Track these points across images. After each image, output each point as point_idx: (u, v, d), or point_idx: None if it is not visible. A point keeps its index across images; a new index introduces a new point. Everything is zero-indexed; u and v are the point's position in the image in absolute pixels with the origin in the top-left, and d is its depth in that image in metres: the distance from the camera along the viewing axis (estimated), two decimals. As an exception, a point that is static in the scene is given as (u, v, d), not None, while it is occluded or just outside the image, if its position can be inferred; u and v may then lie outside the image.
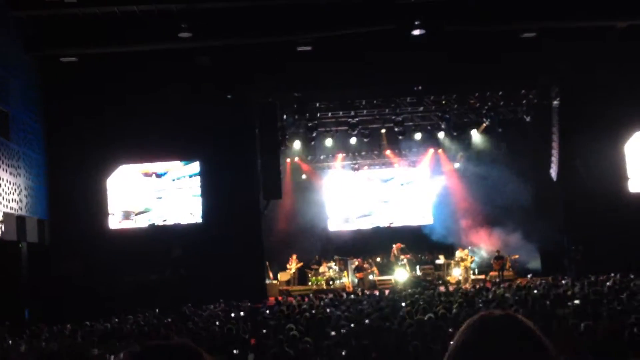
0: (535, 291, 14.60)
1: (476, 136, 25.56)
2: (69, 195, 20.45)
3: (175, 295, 18.02)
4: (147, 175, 21.58)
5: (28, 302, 18.17)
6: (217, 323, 13.22)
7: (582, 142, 21.41)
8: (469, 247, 23.97)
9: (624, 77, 21.01)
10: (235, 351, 9.69)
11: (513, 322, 1.87)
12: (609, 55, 20.68)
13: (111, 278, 19.71)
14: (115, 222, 21.29)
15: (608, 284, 15.31)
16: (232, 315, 14.77)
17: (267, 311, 14.84)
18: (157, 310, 16.17)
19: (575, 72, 20.97)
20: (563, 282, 17.48)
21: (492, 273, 23.05)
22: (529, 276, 21.21)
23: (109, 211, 21.24)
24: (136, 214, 21.43)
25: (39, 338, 12.51)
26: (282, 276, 23.79)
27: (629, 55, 20.70)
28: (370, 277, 23.65)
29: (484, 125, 24.32)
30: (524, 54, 20.32)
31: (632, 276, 16.48)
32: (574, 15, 19.41)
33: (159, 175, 21.61)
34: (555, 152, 22.09)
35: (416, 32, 18.90)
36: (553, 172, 22.23)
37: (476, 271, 23.77)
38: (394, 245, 24.79)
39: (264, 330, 11.15)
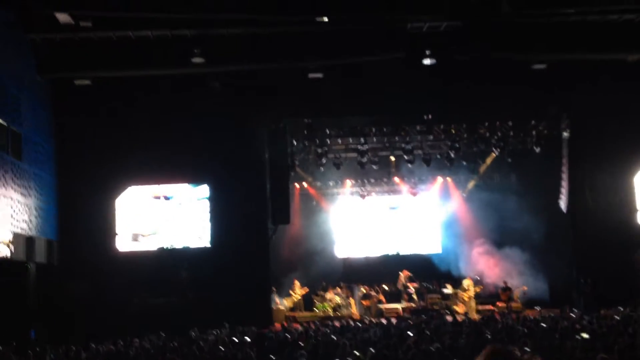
0: (543, 324, 14.48)
1: (485, 166, 25.58)
2: (78, 217, 20.56)
3: (181, 319, 17.96)
4: (156, 197, 21.65)
5: (34, 323, 18.15)
6: (222, 348, 13.16)
7: (591, 173, 21.39)
8: (476, 277, 23.84)
9: (634, 110, 21.04)
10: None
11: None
12: (619, 88, 20.72)
13: (118, 300, 19.69)
14: (123, 244, 21.32)
15: (617, 317, 15.17)
16: (237, 340, 14.70)
17: (273, 337, 14.76)
18: (163, 334, 16.10)
19: (585, 105, 21.01)
20: (572, 314, 17.32)
21: (499, 304, 22.88)
22: (536, 308, 21.04)
23: (117, 232, 21.29)
24: (144, 236, 21.46)
25: (43, 359, 12.48)
26: (288, 302, 23.71)
27: (638, 88, 20.74)
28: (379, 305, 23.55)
29: (494, 155, 24.33)
30: (535, 85, 20.41)
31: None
32: (585, 48, 19.49)
33: (167, 198, 21.68)
34: (564, 184, 22.05)
35: (427, 61, 19.03)
36: (562, 203, 22.17)
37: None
38: (400, 273, 24.68)
39: (270, 356, 11.08)
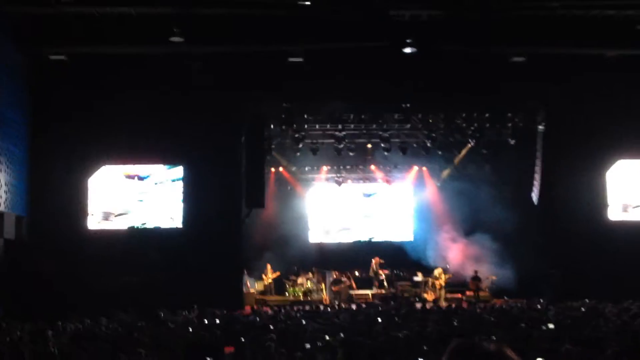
0: (510, 313, 14.66)
1: (460, 156, 25.74)
2: (50, 193, 20.30)
3: (150, 299, 17.85)
4: (129, 177, 21.45)
5: (2, 299, 17.94)
6: (191, 329, 13.13)
7: (564, 167, 21.64)
8: (446, 266, 24.06)
9: (609, 106, 21.28)
10: (208, 359, 9.62)
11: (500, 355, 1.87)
12: (596, 84, 20.92)
13: (87, 278, 19.50)
14: (94, 222, 21.12)
15: (583, 309, 15.42)
16: (206, 322, 14.68)
17: (243, 320, 14.76)
18: (131, 314, 16.01)
19: (562, 99, 21.20)
20: (539, 305, 17.57)
21: (468, 292, 23.13)
22: (504, 298, 21.29)
23: (89, 211, 21.08)
24: (116, 216, 21.27)
25: (11, 335, 12.34)
26: (259, 285, 23.73)
27: (615, 85, 20.96)
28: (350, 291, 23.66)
29: (469, 145, 24.47)
30: (513, 78, 20.50)
31: (607, 303, 16.59)
32: (565, 42, 19.61)
33: (141, 178, 21.49)
34: (537, 177, 22.28)
35: (408, 50, 19.01)
36: (535, 196, 22.40)
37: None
38: (373, 260, 24.81)
39: (239, 339, 11.07)
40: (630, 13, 18.10)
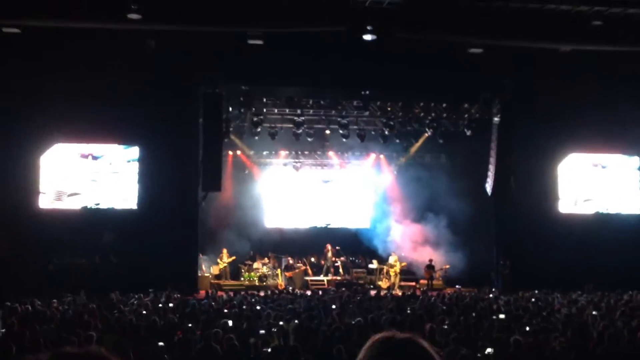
0: (462, 302, 14.91)
1: (417, 145, 25.96)
2: (0, 171, 19.76)
3: (103, 282, 17.63)
4: (83, 156, 21.03)
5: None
6: (145, 312, 13.01)
7: (518, 159, 22.02)
8: (401, 254, 24.32)
9: (564, 100, 21.70)
10: (160, 343, 9.55)
11: (415, 347, 1.91)
12: (550, 78, 21.29)
13: (38, 259, 19.14)
14: (46, 201, 20.67)
15: (532, 300, 15.77)
16: (160, 306, 14.56)
17: (197, 304, 14.67)
18: (82, 296, 15.78)
19: (517, 91, 21.54)
20: (490, 295, 17.90)
21: (422, 281, 23.44)
22: (456, 287, 21.64)
23: (41, 190, 20.62)
24: (68, 195, 20.85)
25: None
26: (214, 269, 23.60)
27: (569, 79, 21.35)
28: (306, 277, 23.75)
29: (426, 135, 24.68)
30: (470, 68, 20.71)
31: (556, 294, 17.02)
32: (520, 35, 19.84)
33: (95, 158, 21.10)
34: (492, 168, 22.60)
35: (367, 36, 18.99)
36: (488, 187, 22.76)
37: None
38: (326, 247, 24.92)
39: (191, 324, 11.01)
40: (583, 9, 18.40)
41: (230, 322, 10.89)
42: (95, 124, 20.45)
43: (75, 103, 20.06)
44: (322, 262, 24.86)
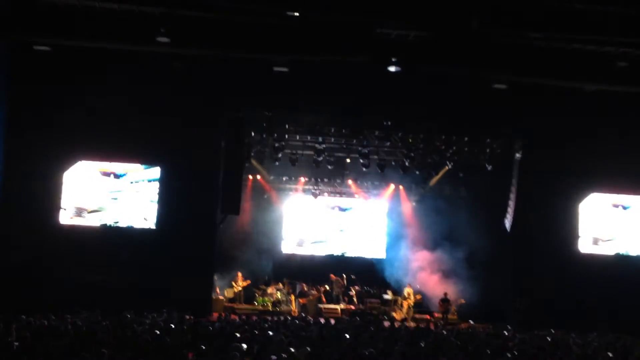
0: (477, 338, 14.74)
1: (437, 178, 25.91)
2: (23, 186, 20.01)
3: (118, 300, 17.69)
4: (105, 174, 21.27)
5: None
6: (158, 332, 13.01)
7: (538, 196, 21.88)
8: (416, 286, 24.16)
9: (586, 139, 21.61)
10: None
11: None
12: (573, 116, 21.23)
13: (55, 274, 19.27)
14: (66, 217, 20.89)
15: (548, 339, 15.55)
16: (173, 326, 14.55)
17: (210, 327, 14.65)
18: (97, 313, 15.83)
19: (539, 128, 21.47)
20: (505, 332, 17.67)
21: (436, 314, 23.22)
22: (469, 321, 21.39)
23: (62, 206, 20.85)
24: (89, 212, 21.06)
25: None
26: (228, 293, 23.60)
27: (592, 119, 21.28)
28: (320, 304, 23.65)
29: (447, 168, 24.65)
30: (493, 104, 20.72)
31: (572, 334, 16.76)
32: (546, 73, 19.85)
33: (117, 176, 21.32)
34: (511, 204, 22.48)
35: (392, 68, 19.13)
36: (507, 222, 22.61)
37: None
38: (337, 276, 24.82)
39: (203, 347, 11.00)
40: (609, 49, 18.41)
41: (244, 346, 10.87)
42: (118, 142, 20.70)
43: (100, 121, 20.36)
44: (327, 287, 24.69)
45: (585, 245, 22.74)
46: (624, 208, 23.14)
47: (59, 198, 20.82)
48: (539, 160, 21.83)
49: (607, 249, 22.85)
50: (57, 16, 18.45)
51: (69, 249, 19.88)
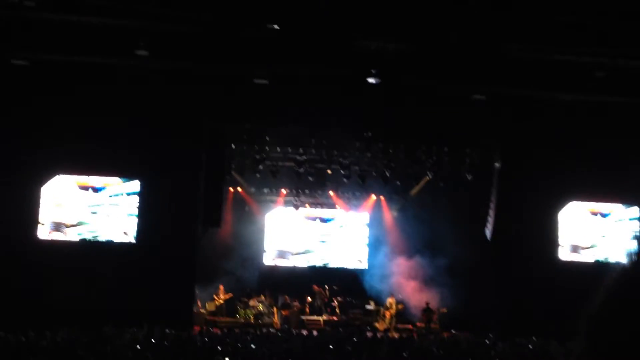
0: (459, 347, 14.77)
1: (418, 188, 26.03)
2: (0, 200, 19.77)
3: (97, 315, 17.49)
4: (83, 188, 21.06)
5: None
6: (139, 347, 12.89)
7: (518, 205, 22.04)
8: (399, 296, 24.19)
9: (564, 148, 21.82)
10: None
11: None
12: (551, 126, 21.45)
13: (33, 289, 19.02)
14: (45, 232, 20.65)
15: (530, 346, 15.62)
16: (154, 341, 14.42)
17: (192, 341, 14.54)
18: (76, 329, 15.63)
19: (518, 138, 21.68)
20: (487, 340, 17.73)
21: (418, 324, 23.26)
22: (452, 331, 21.45)
23: (40, 220, 20.61)
24: (68, 227, 20.83)
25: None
26: (210, 306, 23.45)
27: (571, 128, 21.50)
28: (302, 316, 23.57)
29: (427, 178, 24.77)
30: (472, 114, 20.88)
31: (553, 342, 16.83)
32: (524, 83, 20.04)
33: (96, 190, 21.12)
34: (492, 213, 22.62)
35: (371, 80, 19.21)
36: (488, 232, 22.75)
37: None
38: (319, 288, 24.78)
39: (186, 361, 10.91)
40: (587, 60, 18.64)
41: (225, 360, 10.80)
42: (96, 156, 20.52)
43: (78, 135, 20.18)
44: (310, 299, 24.65)
45: (565, 253, 22.92)
46: (603, 216, 23.37)
47: (37, 213, 20.58)
48: (518, 170, 22.03)
49: (587, 257, 23.04)
50: (35, 30, 18.33)
51: (48, 264, 19.62)
